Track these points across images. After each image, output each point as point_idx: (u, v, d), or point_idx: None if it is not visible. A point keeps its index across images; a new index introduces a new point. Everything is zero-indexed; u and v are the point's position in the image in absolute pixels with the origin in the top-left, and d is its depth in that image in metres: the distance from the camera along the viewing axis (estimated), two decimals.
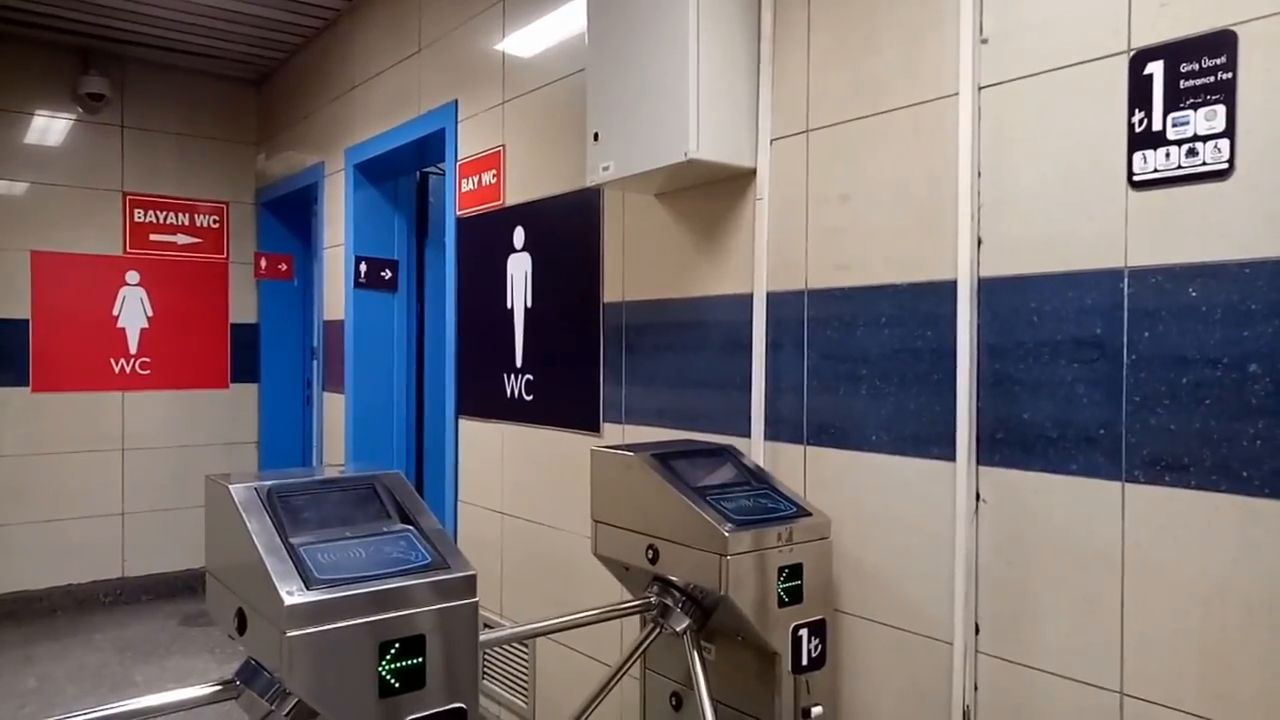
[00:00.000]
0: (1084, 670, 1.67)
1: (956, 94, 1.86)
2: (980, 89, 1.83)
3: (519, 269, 3.25)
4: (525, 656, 3.24)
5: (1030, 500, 1.75)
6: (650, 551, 1.99)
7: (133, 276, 5.34)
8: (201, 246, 5.58)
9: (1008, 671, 1.79)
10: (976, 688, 1.83)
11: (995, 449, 1.81)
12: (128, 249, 5.31)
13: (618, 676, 2.10)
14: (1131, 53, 1.60)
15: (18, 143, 5.04)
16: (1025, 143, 1.76)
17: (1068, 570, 1.70)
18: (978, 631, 1.84)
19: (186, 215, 5.53)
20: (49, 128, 5.14)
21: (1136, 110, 1.59)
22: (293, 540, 1.47)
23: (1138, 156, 1.59)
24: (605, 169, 2.38)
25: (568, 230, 3.01)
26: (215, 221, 5.63)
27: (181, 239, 5.51)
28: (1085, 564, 1.67)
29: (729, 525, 1.85)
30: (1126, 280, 1.61)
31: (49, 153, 5.14)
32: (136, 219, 5.34)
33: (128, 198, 5.33)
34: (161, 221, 5.44)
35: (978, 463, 1.83)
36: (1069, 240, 1.69)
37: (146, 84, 5.38)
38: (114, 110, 5.28)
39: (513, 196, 3.29)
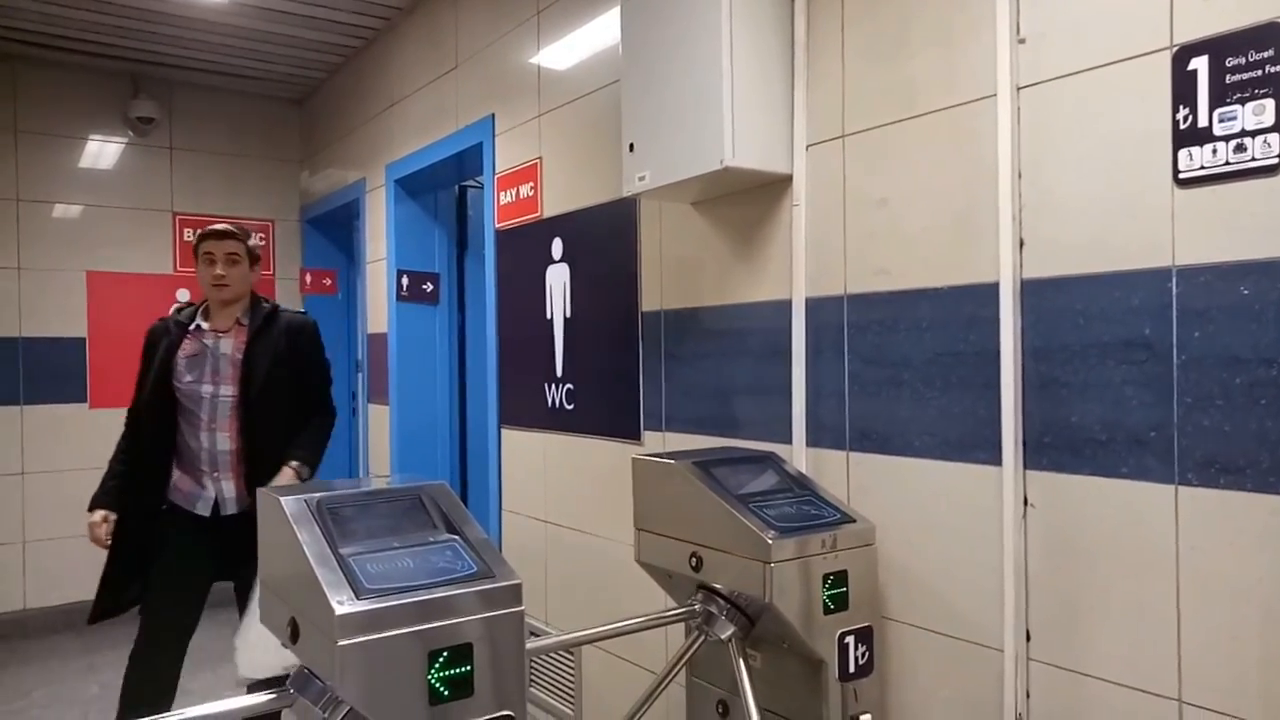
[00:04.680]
0: (1140, 677, 1.64)
1: (994, 95, 1.84)
2: (1019, 89, 1.81)
3: (558, 279, 3.27)
4: (571, 664, 3.26)
5: (1080, 504, 1.72)
6: (693, 559, 2.00)
7: (183, 294, 5.47)
8: None
9: (1061, 679, 1.76)
10: (1029, 695, 1.81)
11: (1042, 453, 1.78)
12: (178, 267, 5.45)
13: (663, 684, 2.10)
14: (1175, 49, 1.58)
15: (73, 167, 5.21)
16: (1066, 143, 1.74)
17: (1121, 575, 1.67)
18: (1029, 638, 1.81)
19: None
20: (101, 151, 5.31)
21: (1181, 107, 1.56)
22: (342, 550, 1.50)
23: (1183, 154, 1.56)
24: (641, 179, 2.40)
25: (605, 240, 3.03)
26: (261, 239, 5.76)
27: None
28: (1139, 569, 1.64)
29: (772, 532, 1.85)
30: (1175, 279, 1.58)
31: (102, 176, 5.30)
32: (186, 238, 5.47)
33: (177, 218, 5.48)
34: None
35: (1024, 467, 1.81)
36: (1114, 240, 1.67)
37: (193, 106, 5.53)
38: (163, 132, 5.43)
39: (550, 208, 3.33)
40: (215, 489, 2.89)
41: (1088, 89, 1.71)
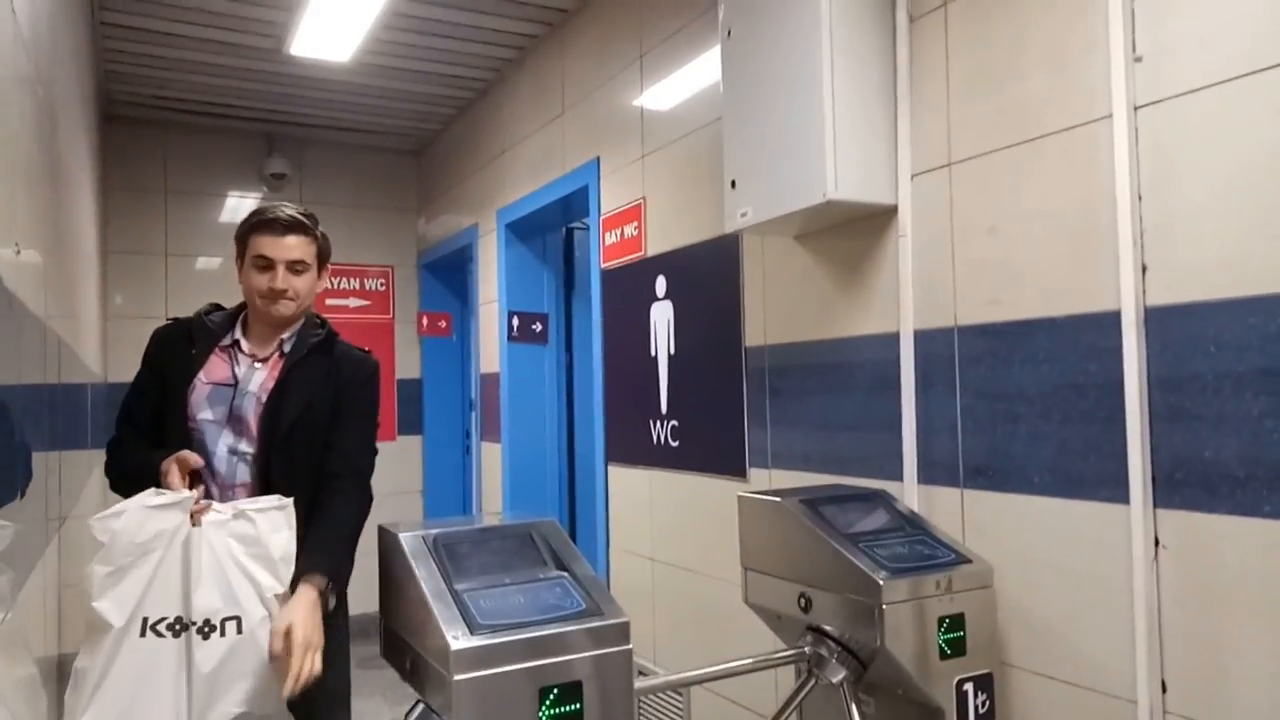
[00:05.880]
0: None
1: (1110, 116, 1.78)
2: (1136, 109, 1.74)
3: (662, 317, 3.31)
4: (680, 704, 3.23)
5: (1218, 545, 1.61)
6: (802, 599, 1.96)
7: None
8: (370, 308, 6.00)
9: None
10: None
11: (1174, 490, 1.68)
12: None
13: None
14: None
15: (214, 221, 5.62)
16: (1191, 162, 1.66)
17: (1268, 622, 1.54)
18: (1164, 689, 1.69)
19: (357, 280, 5.97)
20: (240, 207, 5.71)
21: None
22: (457, 586, 1.55)
23: None
24: (743, 215, 2.41)
25: (708, 277, 3.05)
26: (382, 285, 6.05)
27: (353, 302, 5.95)
28: None
29: (883, 573, 1.80)
30: None
31: None
32: None
33: None
34: (335, 287, 5.89)
35: (1154, 505, 1.71)
36: (1247, 262, 1.57)
37: (321, 161, 5.89)
38: (294, 187, 5.80)
39: (654, 247, 3.37)
40: None
41: (1213, 105, 1.62)
